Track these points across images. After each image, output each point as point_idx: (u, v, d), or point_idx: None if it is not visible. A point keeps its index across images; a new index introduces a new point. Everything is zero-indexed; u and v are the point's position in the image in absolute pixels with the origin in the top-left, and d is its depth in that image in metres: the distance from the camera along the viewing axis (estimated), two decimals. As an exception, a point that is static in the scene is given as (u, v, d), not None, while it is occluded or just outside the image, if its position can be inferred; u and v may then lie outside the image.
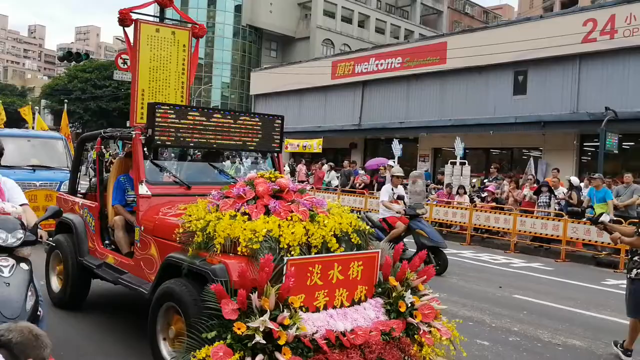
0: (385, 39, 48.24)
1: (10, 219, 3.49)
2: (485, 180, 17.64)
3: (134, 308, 5.93)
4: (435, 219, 14.73)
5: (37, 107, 30.81)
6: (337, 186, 19.47)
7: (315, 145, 25.77)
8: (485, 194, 15.05)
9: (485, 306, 7.27)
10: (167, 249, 4.28)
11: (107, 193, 5.74)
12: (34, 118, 17.06)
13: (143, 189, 4.81)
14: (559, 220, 12.24)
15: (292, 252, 3.62)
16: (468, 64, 21.57)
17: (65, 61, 29.21)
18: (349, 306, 3.84)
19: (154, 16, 6.26)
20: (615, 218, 11.42)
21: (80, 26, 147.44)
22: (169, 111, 4.92)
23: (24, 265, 3.39)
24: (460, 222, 14.30)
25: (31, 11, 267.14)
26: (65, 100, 29.82)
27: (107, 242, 5.63)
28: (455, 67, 22.42)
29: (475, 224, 13.84)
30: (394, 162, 18.64)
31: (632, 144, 18.92)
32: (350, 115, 27.51)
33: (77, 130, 46.24)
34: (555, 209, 13.12)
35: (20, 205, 3.79)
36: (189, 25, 6.26)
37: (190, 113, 5.04)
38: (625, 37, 17.49)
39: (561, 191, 13.76)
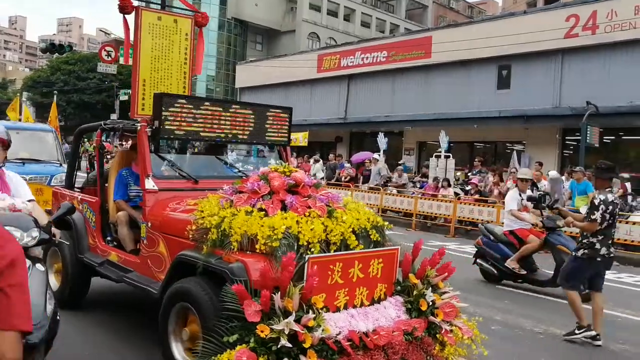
0: (370, 33, 48.30)
1: (24, 216, 3.28)
2: (469, 174, 17.84)
3: (136, 306, 5.81)
4: (420, 211, 14.91)
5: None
6: (322, 179, 19.55)
7: (300, 138, 25.74)
8: (469, 187, 15.24)
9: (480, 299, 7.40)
10: (177, 246, 4.11)
11: (108, 187, 5.53)
12: (20, 110, 16.79)
13: (150, 184, 4.63)
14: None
15: (313, 250, 3.48)
16: (453, 58, 21.74)
17: (47, 53, 28.89)
18: (369, 305, 3.72)
19: (154, 3, 6.06)
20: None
21: (62, 18, 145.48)
22: (176, 102, 4.76)
23: (40, 267, 3.17)
24: (444, 215, 14.48)
25: (11, 2, 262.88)
26: (55, 92, 29.49)
27: (109, 238, 5.44)
28: (440, 62, 22.57)
29: (459, 217, 14.02)
30: (379, 155, 18.78)
31: (613, 137, 19.25)
32: (336, 108, 27.58)
33: (60, 123, 45.72)
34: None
35: (28, 201, 3.58)
36: (192, 13, 6.05)
37: (198, 104, 4.89)
38: (606, 33, 17.76)
39: (543, 185, 13.97)
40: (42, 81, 50.54)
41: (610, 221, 5.67)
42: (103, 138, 5.91)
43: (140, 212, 4.87)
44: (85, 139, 14.65)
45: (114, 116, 39.69)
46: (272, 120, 5.40)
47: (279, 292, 3.18)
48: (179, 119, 4.74)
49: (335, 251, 3.61)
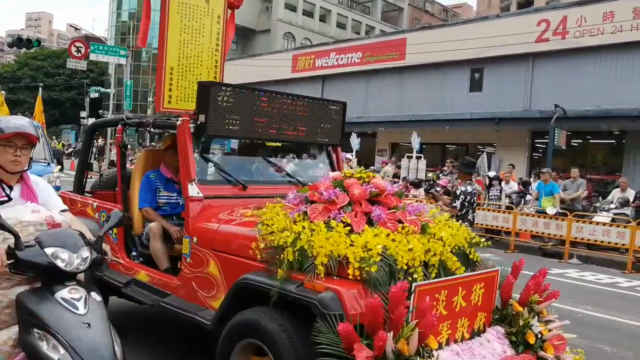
0: (346, 34, 48.43)
1: (70, 232, 2.69)
2: (440, 175, 17.99)
3: (160, 331, 5.14)
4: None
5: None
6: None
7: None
8: (439, 187, 15.34)
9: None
10: (236, 267, 3.43)
11: (131, 193, 4.73)
12: None
13: (194, 190, 3.93)
14: (509, 213, 12.62)
15: (416, 276, 2.93)
16: (426, 60, 21.89)
17: (14, 47, 28.22)
18: (469, 338, 3.17)
19: None
20: (561, 210, 11.91)
21: (31, 12, 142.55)
22: (225, 93, 4.02)
23: (95, 296, 2.59)
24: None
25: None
26: (40, 85, 28.76)
27: (134, 254, 4.67)
28: (414, 63, 22.72)
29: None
30: (352, 155, 18.84)
31: (580, 140, 19.62)
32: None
33: (28, 120, 44.75)
34: (506, 202, 13.52)
35: (61, 211, 2.94)
36: None
37: (250, 96, 4.20)
38: (575, 38, 18.09)
39: (513, 186, 14.17)
40: (9, 76, 49.41)
41: (468, 208, 6.75)
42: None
43: (171, 222, 4.36)
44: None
45: (83, 114, 39.03)
46: (327, 116, 4.75)
47: (391, 332, 2.62)
48: (227, 113, 4.04)
49: (436, 276, 3.06)
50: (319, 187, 3.46)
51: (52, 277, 2.52)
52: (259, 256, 3.20)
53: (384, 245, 2.95)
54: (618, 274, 10.19)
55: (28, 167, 2.93)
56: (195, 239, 3.81)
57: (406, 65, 23.19)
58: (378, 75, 24.65)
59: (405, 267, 2.93)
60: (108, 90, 32.23)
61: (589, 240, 11.23)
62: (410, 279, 2.88)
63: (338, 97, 28.66)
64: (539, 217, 11.99)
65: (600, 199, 14.77)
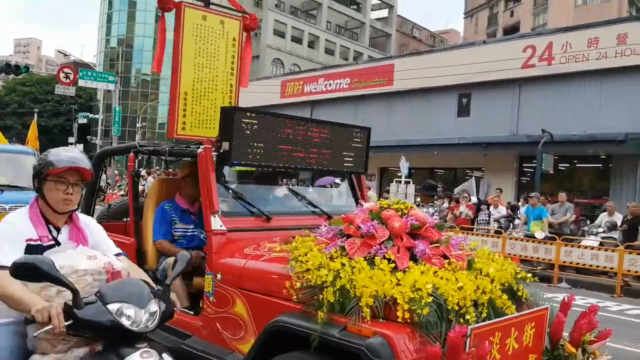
0: (334, 60, 48.88)
1: (136, 283, 2.29)
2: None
3: None
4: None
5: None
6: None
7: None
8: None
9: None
10: (267, 308, 3.16)
11: (144, 224, 4.42)
12: None
13: (217, 223, 3.68)
14: (497, 237, 12.60)
15: (467, 317, 2.71)
16: (414, 86, 22.07)
17: (2, 74, 28.15)
18: None
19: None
20: (550, 234, 11.91)
21: (20, 38, 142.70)
22: (249, 119, 3.82)
23: (168, 358, 2.27)
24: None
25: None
26: (35, 110, 28.64)
27: None
28: (402, 89, 22.89)
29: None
30: (340, 180, 18.77)
31: (567, 165, 19.76)
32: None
33: (15, 146, 44.52)
34: (495, 227, 13.52)
35: (116, 255, 2.60)
36: (239, 14, 5.05)
37: (275, 123, 4.00)
38: (561, 64, 18.35)
39: (501, 210, 14.18)
40: (-4, 102, 49.30)
41: None
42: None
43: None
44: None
45: (71, 139, 38.85)
46: (351, 142, 4.56)
47: None
48: (252, 140, 3.83)
49: (486, 317, 2.84)
50: (354, 219, 3.22)
51: (116, 338, 2.15)
52: (295, 296, 2.93)
53: (433, 284, 2.74)
54: (607, 298, 10.15)
55: (77, 206, 2.57)
56: (219, 276, 3.53)
57: (394, 90, 23.37)
58: (366, 101, 24.80)
59: (457, 308, 2.72)
60: (96, 116, 32.20)
61: (577, 264, 11.21)
62: (462, 320, 2.68)
63: (327, 122, 28.87)
64: (527, 241, 11.97)
65: (588, 222, 14.83)
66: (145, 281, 2.33)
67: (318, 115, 27.11)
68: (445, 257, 3.07)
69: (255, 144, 3.85)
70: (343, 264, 2.85)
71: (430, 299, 2.64)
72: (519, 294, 3.13)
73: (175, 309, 2.41)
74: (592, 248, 11.26)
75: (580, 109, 17.76)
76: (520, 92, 19.77)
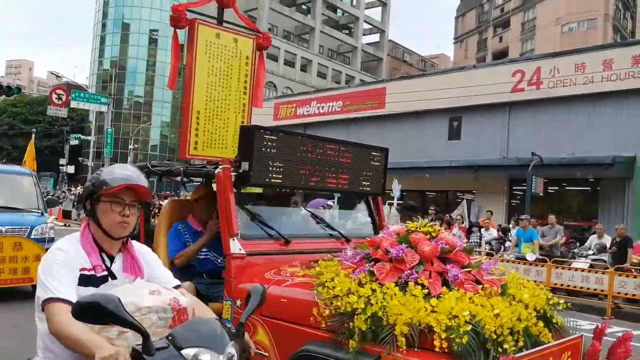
0: (326, 83, 49.33)
1: (211, 324, 1.98)
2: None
3: None
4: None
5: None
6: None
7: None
8: None
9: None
10: (291, 336, 3.01)
11: (156, 248, 4.16)
12: None
13: (236, 246, 3.52)
14: (489, 259, 12.66)
15: (506, 346, 2.54)
16: (406, 109, 22.31)
17: (-5, 94, 28.15)
18: None
19: (209, 16, 4.85)
20: (540, 257, 12.00)
21: (11, 60, 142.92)
22: (269, 138, 3.68)
23: None
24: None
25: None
26: (33, 131, 28.57)
27: None
28: (393, 112, 23.14)
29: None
30: (333, 202, 18.84)
31: (557, 187, 19.96)
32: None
33: (6, 167, 44.30)
34: (486, 249, 13.60)
35: (175, 288, 2.29)
36: (251, 32, 4.94)
37: (295, 142, 3.86)
38: (549, 88, 18.66)
39: (492, 232, 14.28)
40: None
41: None
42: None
43: (199, 280, 3.90)
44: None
45: (62, 161, 38.75)
46: (369, 163, 4.41)
47: None
48: (272, 160, 3.70)
49: (522, 345, 2.68)
50: (380, 242, 3.08)
51: None
52: (323, 324, 2.78)
53: (470, 311, 2.58)
54: (598, 320, 10.19)
55: (133, 231, 2.29)
56: (238, 302, 3.36)
57: (386, 113, 23.61)
58: (358, 124, 25.01)
59: (494, 336, 2.55)
60: (88, 137, 32.17)
61: (568, 286, 11.27)
62: (500, 349, 2.53)
63: (319, 145, 29.14)
64: (519, 263, 12.04)
65: (577, 245, 14.95)
66: (219, 321, 2.04)
67: (310, 137, 27.29)
68: (477, 282, 2.93)
69: (275, 164, 3.70)
70: (373, 290, 2.72)
71: (468, 327, 2.50)
72: (553, 321, 2.96)
73: (250, 351, 2.17)
74: (583, 270, 11.34)
75: (569, 133, 18.02)
76: (510, 115, 20.04)
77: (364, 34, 60.05)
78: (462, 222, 15.12)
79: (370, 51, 60.00)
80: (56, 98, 27.31)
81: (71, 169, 39.77)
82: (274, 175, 3.71)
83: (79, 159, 37.27)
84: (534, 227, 12.86)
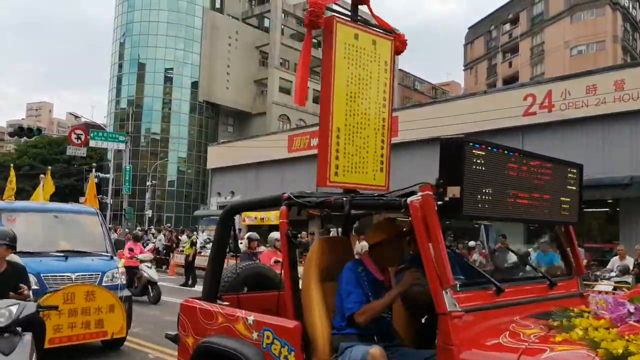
0: (339, 114, 49.64)
1: None
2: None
3: None
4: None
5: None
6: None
7: (273, 217, 25.86)
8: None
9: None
10: None
11: (306, 299, 3.36)
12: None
13: (451, 302, 2.69)
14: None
15: None
16: (419, 136, 22.44)
17: (16, 137, 28.91)
18: None
19: (344, 14, 3.90)
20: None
21: (32, 102, 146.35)
22: (478, 154, 2.89)
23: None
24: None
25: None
26: (94, 165, 29.10)
27: None
28: (406, 140, 23.28)
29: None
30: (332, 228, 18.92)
31: (576, 210, 19.79)
32: (307, 187, 27.73)
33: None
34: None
35: None
36: (390, 34, 4.13)
37: (500, 158, 3.04)
38: (561, 111, 18.71)
39: (511, 256, 14.18)
40: (7, 165, 50.27)
41: None
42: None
43: (367, 344, 3.02)
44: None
45: (82, 199, 39.28)
46: (566, 184, 3.59)
47: None
48: (481, 184, 2.89)
49: None
50: None
51: None
52: None
53: None
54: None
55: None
56: None
57: (399, 141, 23.72)
58: (372, 153, 25.14)
59: None
60: (107, 175, 32.69)
61: (592, 309, 11.14)
62: None
63: (334, 175, 29.29)
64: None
65: (599, 267, 14.77)
66: None
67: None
68: None
69: (484, 190, 2.90)
70: None
71: None
72: None
73: None
74: (607, 293, 11.20)
75: (583, 154, 17.93)
76: (524, 139, 20.06)
77: (374, 65, 60.60)
78: (483, 248, 15.03)
79: (381, 81, 60.49)
80: (75, 138, 27.94)
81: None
82: (483, 204, 2.90)
83: (99, 196, 37.80)
84: (553, 250, 12.78)
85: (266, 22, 53.92)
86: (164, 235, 24.49)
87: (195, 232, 22.98)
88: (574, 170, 3.67)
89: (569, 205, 3.58)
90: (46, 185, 13.95)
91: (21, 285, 4.60)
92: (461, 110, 21.06)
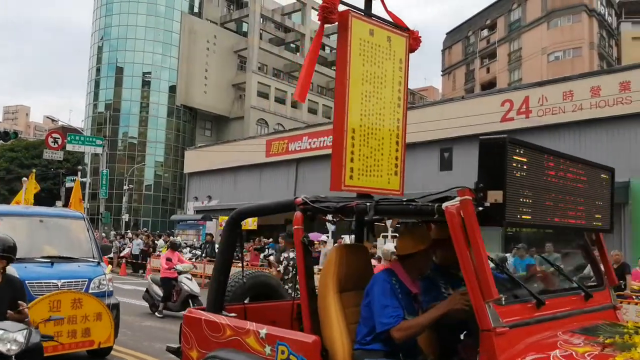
0: (317, 119, 49.73)
1: None
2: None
3: None
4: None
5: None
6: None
7: (250, 222, 25.66)
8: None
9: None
10: None
11: (323, 311, 3.13)
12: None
13: (495, 317, 2.52)
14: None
15: None
16: (397, 141, 22.47)
17: (-10, 140, 28.29)
18: None
19: (359, 9, 3.71)
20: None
21: (8, 106, 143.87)
22: (522, 156, 2.70)
23: None
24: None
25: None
26: (79, 168, 28.57)
27: None
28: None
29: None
30: (327, 237, 18.87)
31: (553, 215, 20.02)
32: (285, 191, 27.75)
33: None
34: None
35: None
36: (404, 30, 3.96)
37: (541, 160, 2.84)
38: (539, 117, 18.91)
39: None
40: (-18, 169, 49.26)
41: (294, 272, 7.39)
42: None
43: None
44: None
45: (59, 203, 38.60)
46: (599, 188, 3.33)
47: None
48: (522, 189, 2.69)
49: None
50: None
51: None
52: None
53: None
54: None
55: None
56: None
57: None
58: (351, 157, 25.17)
59: None
60: (84, 179, 32.18)
61: (568, 314, 11.18)
62: None
63: (312, 180, 28.90)
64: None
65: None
66: None
67: (304, 172, 27.35)
68: None
69: (526, 193, 2.70)
70: None
71: None
72: None
73: None
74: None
75: (560, 160, 18.19)
76: (501, 145, 20.22)
77: (354, 69, 60.79)
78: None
79: (361, 86, 60.70)
80: (52, 141, 27.43)
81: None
82: (524, 210, 2.69)
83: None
84: (531, 255, 12.83)
85: (244, 27, 53.73)
86: (142, 239, 24.22)
87: (171, 237, 22.70)
88: (607, 175, 3.41)
89: (602, 211, 3.35)
90: (29, 186, 13.71)
91: (21, 303, 4.17)
92: (439, 116, 21.16)
